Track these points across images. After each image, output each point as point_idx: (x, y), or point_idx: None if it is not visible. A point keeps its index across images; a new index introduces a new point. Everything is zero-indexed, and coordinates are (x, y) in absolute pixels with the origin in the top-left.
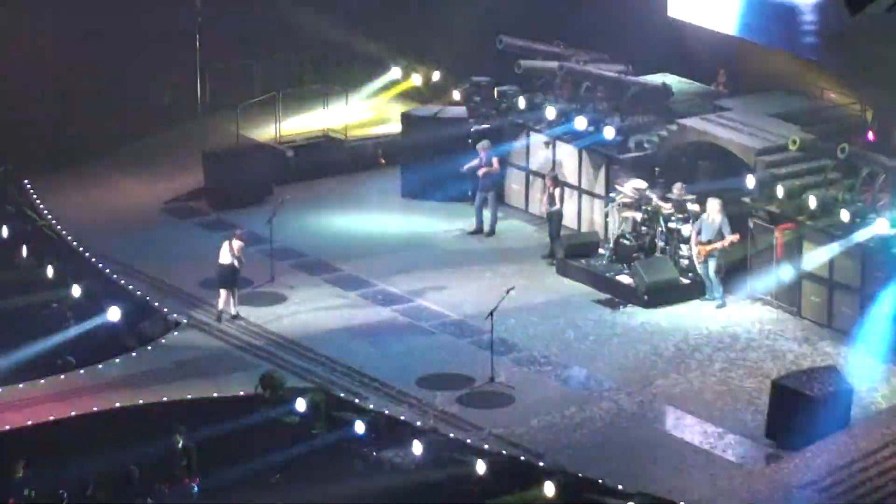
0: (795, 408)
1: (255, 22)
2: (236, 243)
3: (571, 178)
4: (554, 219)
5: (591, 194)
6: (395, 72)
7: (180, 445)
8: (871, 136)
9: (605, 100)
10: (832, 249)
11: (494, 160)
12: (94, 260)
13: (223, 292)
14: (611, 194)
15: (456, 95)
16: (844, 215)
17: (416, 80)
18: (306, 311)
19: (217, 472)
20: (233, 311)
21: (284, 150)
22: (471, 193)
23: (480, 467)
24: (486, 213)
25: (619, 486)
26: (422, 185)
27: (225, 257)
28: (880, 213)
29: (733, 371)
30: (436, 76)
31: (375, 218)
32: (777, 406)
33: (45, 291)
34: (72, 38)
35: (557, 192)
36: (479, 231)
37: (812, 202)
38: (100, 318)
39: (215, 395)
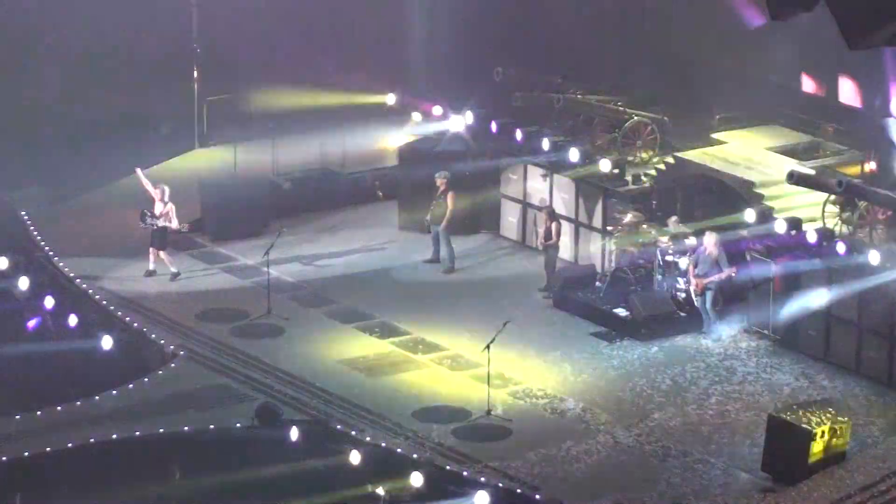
0: (792, 441)
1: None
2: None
3: (568, 211)
4: (550, 252)
5: (588, 227)
6: (390, 98)
7: None
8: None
9: (602, 132)
10: (830, 283)
11: (450, 196)
12: (90, 291)
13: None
14: (608, 227)
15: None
16: (840, 248)
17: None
18: (303, 343)
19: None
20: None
21: (281, 182)
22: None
23: (482, 499)
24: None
25: None
26: (419, 218)
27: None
28: (877, 246)
29: (730, 404)
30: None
31: (373, 250)
32: (773, 440)
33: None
34: (70, 65)
35: (554, 226)
36: (435, 260)
37: (811, 236)
38: (93, 346)
39: (212, 427)
